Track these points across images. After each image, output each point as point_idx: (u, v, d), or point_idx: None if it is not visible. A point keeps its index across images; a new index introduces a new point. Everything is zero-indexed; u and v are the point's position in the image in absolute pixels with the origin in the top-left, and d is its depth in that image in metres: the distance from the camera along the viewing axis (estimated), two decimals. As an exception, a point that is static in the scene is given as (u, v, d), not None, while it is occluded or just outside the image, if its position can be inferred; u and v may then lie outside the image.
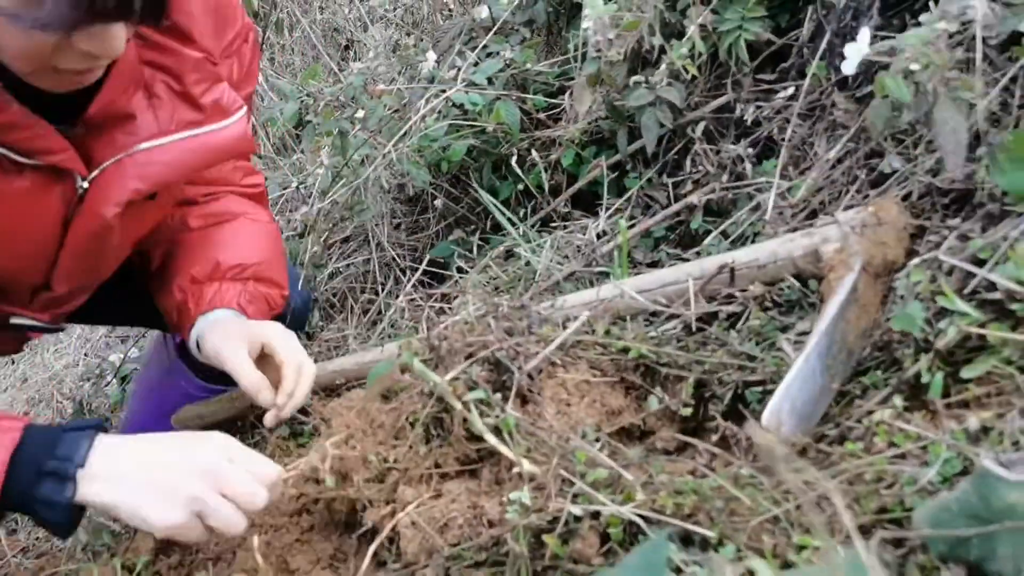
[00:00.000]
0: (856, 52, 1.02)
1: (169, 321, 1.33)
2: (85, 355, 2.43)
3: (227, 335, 1.22)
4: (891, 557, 0.69)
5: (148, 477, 0.95)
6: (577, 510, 0.86)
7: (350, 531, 1.12)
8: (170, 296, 1.30)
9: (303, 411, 1.43)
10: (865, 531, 0.74)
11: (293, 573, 1.11)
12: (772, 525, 0.79)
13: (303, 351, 1.24)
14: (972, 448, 0.74)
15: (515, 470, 0.93)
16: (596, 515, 0.87)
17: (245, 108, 1.15)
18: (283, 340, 1.22)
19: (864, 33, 1.01)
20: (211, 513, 0.95)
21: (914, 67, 0.95)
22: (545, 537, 0.87)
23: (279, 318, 1.52)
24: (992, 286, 0.90)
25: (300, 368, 1.22)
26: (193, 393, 1.58)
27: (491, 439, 0.94)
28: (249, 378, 1.18)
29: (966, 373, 0.88)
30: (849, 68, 1.04)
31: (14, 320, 1.24)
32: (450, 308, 1.59)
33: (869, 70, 1.17)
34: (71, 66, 0.95)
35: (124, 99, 1.06)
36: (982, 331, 0.88)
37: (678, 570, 0.69)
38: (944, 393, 0.89)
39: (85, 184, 1.07)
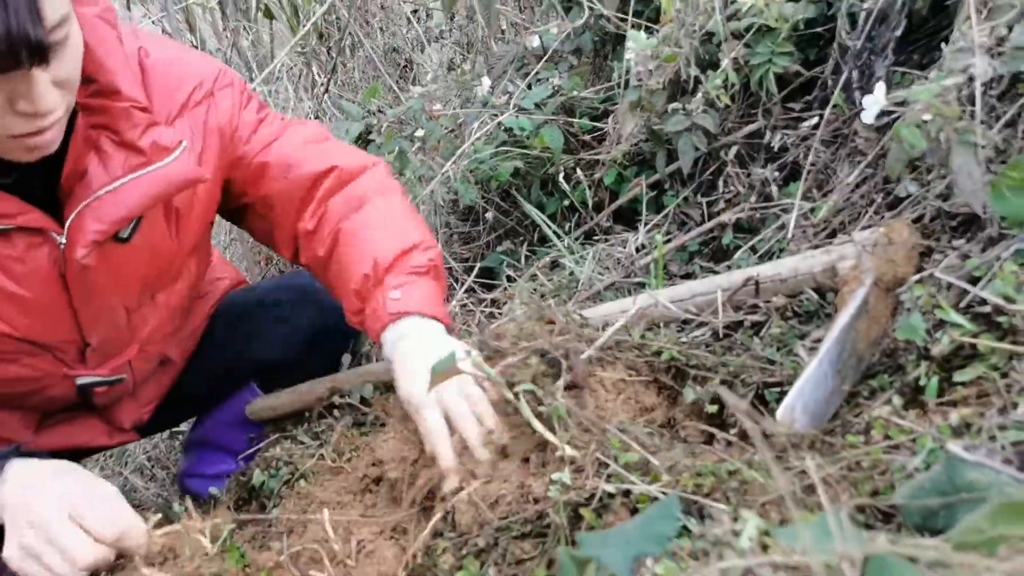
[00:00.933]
0: (874, 102, 1.14)
1: (357, 326, 1.42)
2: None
3: (411, 381, 1.22)
4: (880, 528, 0.82)
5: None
6: (611, 488, 0.99)
7: (410, 507, 1.27)
8: (349, 311, 1.39)
9: (365, 402, 1.58)
10: (860, 509, 0.86)
11: (359, 543, 1.26)
12: (779, 503, 0.92)
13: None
14: (953, 440, 0.86)
15: (557, 454, 1.06)
16: (627, 493, 0.99)
17: (185, 143, 1.26)
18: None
19: (880, 87, 1.13)
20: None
21: (926, 117, 1.06)
22: (582, 511, 1.00)
23: (349, 334, 1.68)
24: (984, 301, 1.01)
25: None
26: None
27: (537, 426, 1.07)
28: (447, 461, 1.17)
29: (958, 377, 1.00)
30: (868, 117, 1.17)
31: (79, 381, 1.41)
32: (499, 312, 1.73)
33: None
34: (21, 129, 1.05)
35: (80, 164, 1.19)
36: (974, 340, 0.99)
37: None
38: (939, 394, 1.00)
39: (62, 239, 1.21)
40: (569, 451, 1.06)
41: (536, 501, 1.09)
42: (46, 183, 1.19)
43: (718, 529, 0.61)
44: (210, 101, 1.34)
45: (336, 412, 1.57)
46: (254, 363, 1.71)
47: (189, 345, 1.67)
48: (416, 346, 1.25)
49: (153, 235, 1.33)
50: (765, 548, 0.60)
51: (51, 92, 1.03)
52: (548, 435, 1.09)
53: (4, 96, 1.01)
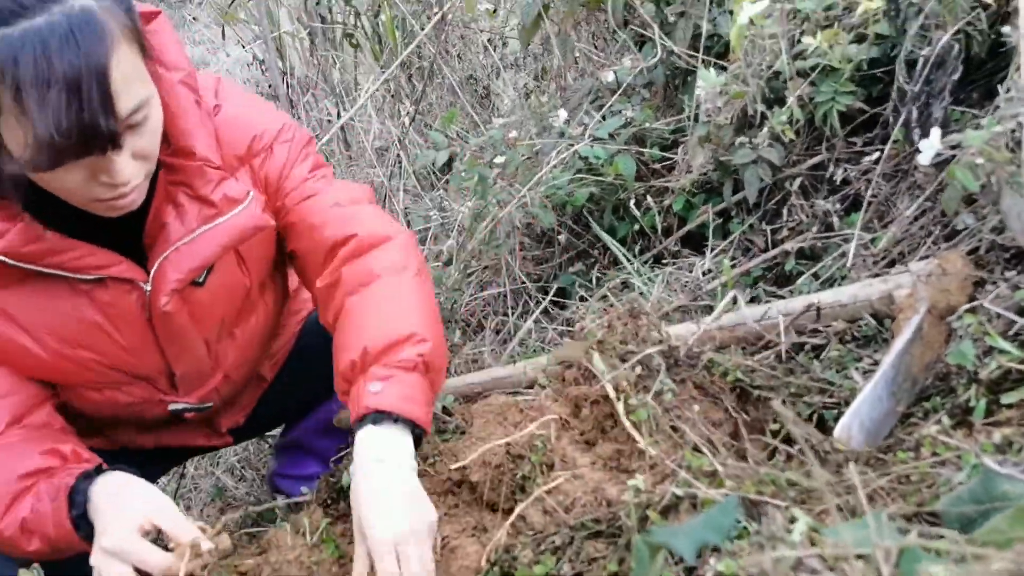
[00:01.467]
0: (929, 147, 1.23)
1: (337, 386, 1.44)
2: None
3: (376, 517, 1.22)
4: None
5: None
6: (680, 492, 1.09)
7: (490, 508, 1.38)
8: (337, 384, 1.40)
9: (447, 412, 1.70)
10: (908, 518, 0.95)
11: (443, 539, 1.37)
12: (833, 511, 1.01)
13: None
14: (994, 456, 0.94)
15: (639, 445, 1.17)
16: (693, 497, 1.09)
17: (253, 194, 1.38)
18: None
19: (935, 132, 1.22)
20: None
21: (978, 161, 1.15)
22: (650, 512, 1.10)
23: None
24: (1031, 329, 1.09)
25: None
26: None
27: (627, 423, 1.18)
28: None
29: (1005, 399, 1.07)
30: (924, 160, 1.25)
31: (171, 407, 1.55)
32: (571, 330, 1.84)
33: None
34: (104, 195, 1.17)
35: (161, 217, 1.32)
36: (1021, 366, 1.07)
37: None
38: (987, 415, 1.08)
39: (148, 287, 1.34)
40: (652, 450, 1.17)
41: (609, 504, 1.19)
42: (131, 231, 1.33)
43: (773, 526, 0.70)
44: (267, 153, 1.45)
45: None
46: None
47: (279, 360, 1.81)
48: (387, 479, 1.24)
49: (225, 278, 1.45)
50: (813, 543, 0.70)
51: (130, 166, 1.16)
52: (636, 434, 1.20)
53: (86, 171, 1.13)
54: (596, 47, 2.19)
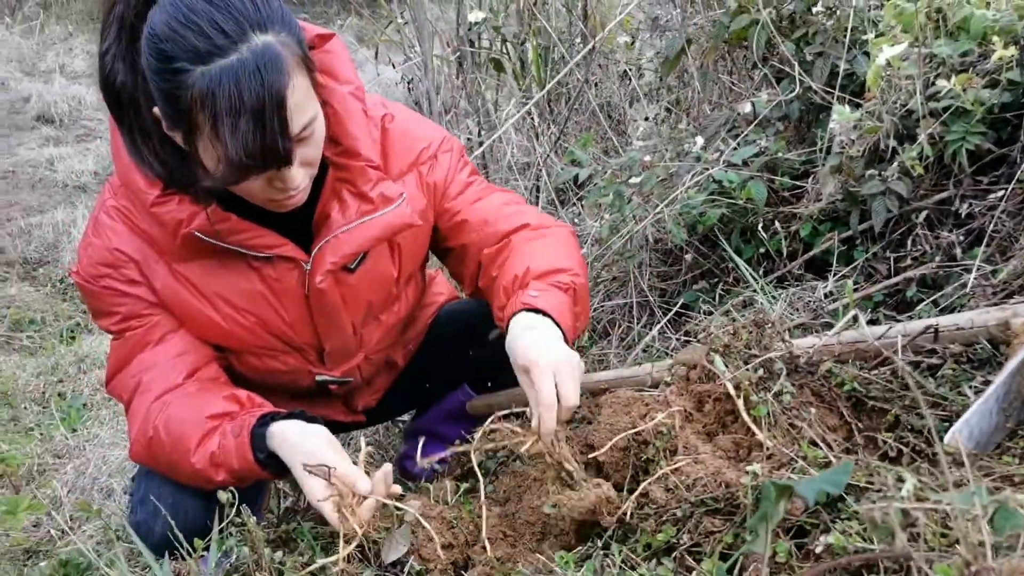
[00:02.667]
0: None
1: (498, 321, 1.68)
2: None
3: (535, 350, 1.44)
4: None
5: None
6: (796, 478, 1.21)
7: (614, 487, 1.52)
8: (495, 306, 1.66)
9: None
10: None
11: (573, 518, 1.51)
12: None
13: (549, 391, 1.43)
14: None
15: (757, 437, 1.29)
16: (808, 482, 1.21)
17: (405, 194, 1.59)
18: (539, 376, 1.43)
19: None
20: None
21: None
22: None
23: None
24: None
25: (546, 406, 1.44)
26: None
27: (747, 418, 1.31)
28: (547, 427, 1.44)
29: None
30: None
31: (318, 378, 1.76)
32: (691, 339, 1.96)
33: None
34: (278, 197, 1.40)
35: (326, 208, 1.54)
36: None
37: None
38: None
39: (308, 267, 1.57)
40: (770, 443, 1.29)
41: (728, 485, 1.32)
42: (301, 220, 1.56)
43: (883, 483, 0.82)
44: (433, 161, 1.69)
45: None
46: (466, 365, 1.97)
47: (411, 350, 1.99)
48: (543, 335, 1.47)
49: (375, 268, 1.67)
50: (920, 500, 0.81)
51: (299, 173, 1.39)
52: (755, 427, 1.33)
53: (265, 180, 1.36)
54: (734, 80, 2.32)
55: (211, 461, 1.50)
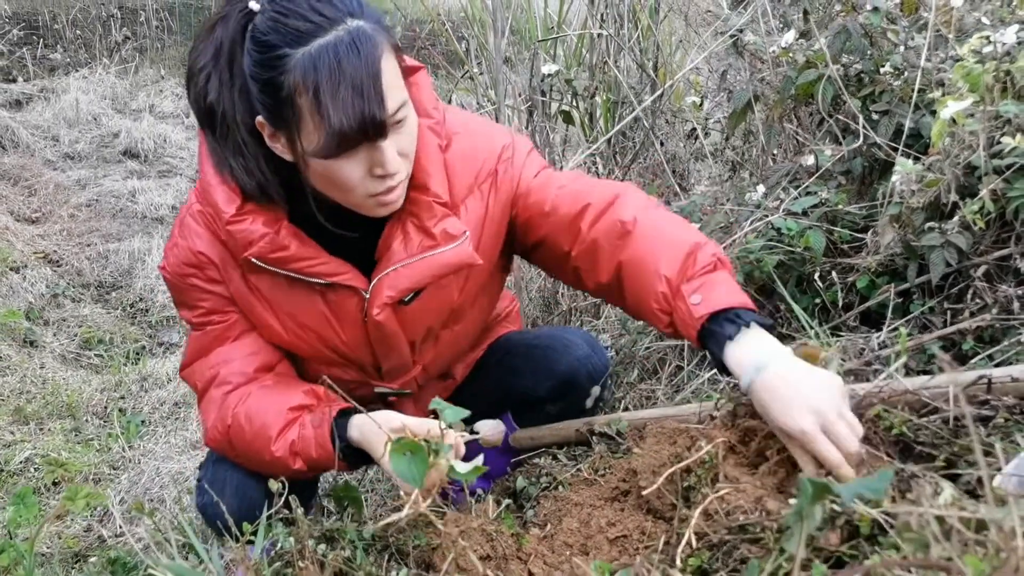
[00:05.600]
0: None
1: (672, 336, 1.61)
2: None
3: (790, 407, 1.33)
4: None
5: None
6: (838, 508, 1.20)
7: (654, 514, 1.52)
8: (660, 327, 1.56)
9: (619, 434, 1.86)
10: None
11: (613, 540, 1.52)
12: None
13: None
14: None
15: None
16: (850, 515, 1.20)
17: (468, 233, 1.61)
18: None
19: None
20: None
21: None
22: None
23: (594, 380, 1.93)
24: None
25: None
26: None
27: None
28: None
29: None
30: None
31: (377, 389, 1.82)
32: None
33: None
34: (377, 189, 1.44)
35: (389, 239, 1.59)
36: None
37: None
38: None
39: (367, 295, 1.62)
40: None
41: (768, 513, 1.31)
42: (365, 250, 1.63)
43: (921, 492, 0.83)
44: (493, 178, 1.68)
45: (594, 439, 1.86)
46: (511, 393, 1.99)
47: (468, 366, 2.03)
48: (772, 384, 1.34)
49: (436, 296, 1.69)
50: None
51: (396, 159, 1.44)
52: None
53: (365, 166, 1.41)
54: (798, 135, 2.35)
55: (290, 450, 1.59)
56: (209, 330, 1.67)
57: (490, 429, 1.83)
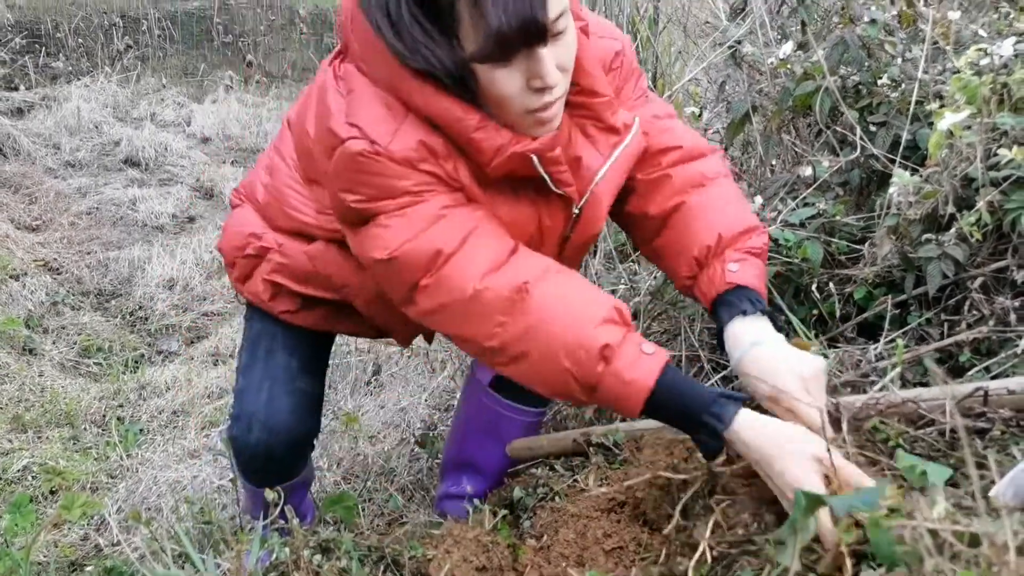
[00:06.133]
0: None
1: (674, 278, 1.67)
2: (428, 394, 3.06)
3: (777, 372, 1.40)
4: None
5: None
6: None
7: (650, 526, 1.53)
8: (678, 268, 1.61)
9: (616, 445, 1.86)
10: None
11: (609, 551, 1.52)
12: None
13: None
14: None
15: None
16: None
17: (637, 117, 1.58)
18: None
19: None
20: None
21: None
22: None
23: None
24: None
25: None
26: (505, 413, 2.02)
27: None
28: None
29: None
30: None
31: None
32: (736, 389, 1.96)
33: None
34: (535, 104, 1.36)
35: (571, 148, 1.52)
36: None
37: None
38: None
39: (577, 210, 1.58)
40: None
41: (766, 527, 1.31)
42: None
43: (915, 504, 0.83)
44: (613, 73, 1.63)
45: (591, 450, 1.86)
46: None
47: None
48: (769, 351, 1.43)
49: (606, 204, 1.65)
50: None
51: (555, 71, 1.35)
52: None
53: (522, 76, 1.34)
54: (796, 145, 2.36)
55: (602, 351, 1.37)
56: (438, 198, 1.44)
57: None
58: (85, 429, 3.39)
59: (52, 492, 2.90)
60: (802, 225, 2.02)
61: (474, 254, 1.42)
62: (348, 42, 1.47)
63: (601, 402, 1.42)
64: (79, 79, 7.73)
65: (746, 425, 1.33)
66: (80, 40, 8.53)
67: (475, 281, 1.40)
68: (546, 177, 1.47)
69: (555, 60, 1.36)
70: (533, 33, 1.30)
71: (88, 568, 2.39)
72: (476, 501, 1.96)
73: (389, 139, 1.39)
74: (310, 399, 1.86)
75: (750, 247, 1.56)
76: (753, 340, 1.45)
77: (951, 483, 1.31)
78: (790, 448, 1.28)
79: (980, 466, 1.40)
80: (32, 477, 2.96)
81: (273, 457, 1.78)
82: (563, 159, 1.48)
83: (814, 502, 0.84)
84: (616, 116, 1.55)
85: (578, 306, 1.41)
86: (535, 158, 1.43)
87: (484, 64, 1.33)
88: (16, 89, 7.48)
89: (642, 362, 1.36)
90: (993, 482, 1.39)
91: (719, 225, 1.56)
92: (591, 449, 1.85)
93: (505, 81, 1.34)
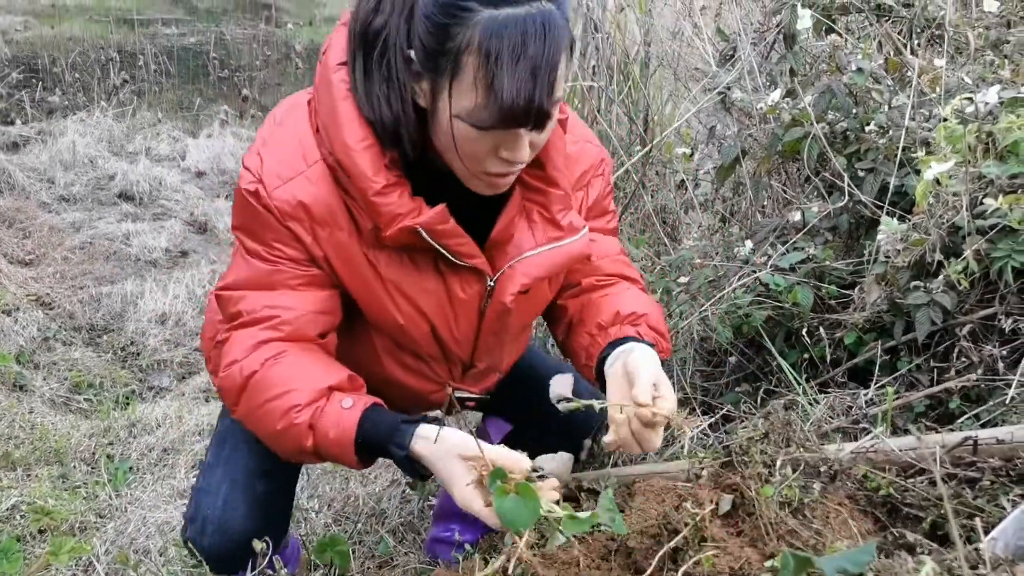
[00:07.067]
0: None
1: (576, 362, 1.72)
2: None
3: (642, 358, 1.49)
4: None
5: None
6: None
7: (639, 573, 1.52)
8: (579, 340, 1.67)
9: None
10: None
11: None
12: None
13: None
14: None
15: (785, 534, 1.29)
16: None
17: (587, 227, 1.60)
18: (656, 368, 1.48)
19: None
20: None
21: None
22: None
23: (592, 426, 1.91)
24: None
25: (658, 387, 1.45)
26: None
27: (766, 510, 1.31)
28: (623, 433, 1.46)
29: None
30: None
31: (457, 394, 1.76)
32: (726, 433, 1.97)
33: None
34: (497, 170, 1.39)
35: (511, 227, 1.55)
36: None
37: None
38: None
39: (492, 283, 1.58)
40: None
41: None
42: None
43: (905, 566, 0.83)
44: (587, 188, 1.69)
45: (582, 495, 1.86)
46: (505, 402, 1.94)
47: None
48: (645, 356, 1.49)
49: (540, 293, 1.68)
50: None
51: (527, 149, 1.40)
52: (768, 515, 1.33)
53: (495, 143, 1.35)
54: (786, 190, 2.38)
55: (310, 422, 1.43)
56: (282, 268, 1.51)
57: (556, 464, 1.74)
58: (75, 467, 3.36)
59: (40, 532, 2.87)
60: (792, 269, 2.03)
61: (242, 338, 1.50)
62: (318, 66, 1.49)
63: (330, 460, 1.49)
64: (75, 113, 7.76)
65: (421, 443, 1.40)
66: (76, 75, 8.58)
67: (228, 357, 1.50)
68: (440, 249, 1.49)
69: (531, 139, 1.39)
70: (535, 117, 1.31)
71: (75, 612, 2.37)
72: (467, 546, 1.95)
73: (277, 185, 1.45)
74: (272, 502, 1.75)
75: (650, 326, 1.63)
76: (628, 348, 1.53)
77: (942, 540, 1.31)
78: (444, 450, 1.37)
79: (971, 516, 1.41)
80: (20, 516, 2.93)
81: (232, 558, 1.65)
82: (459, 231, 1.49)
83: (803, 563, 0.85)
84: (565, 214, 1.57)
85: (294, 388, 1.46)
86: (422, 231, 1.45)
87: (469, 125, 1.33)
88: (12, 123, 7.50)
89: (342, 418, 1.43)
90: (988, 531, 1.40)
91: (636, 306, 1.65)
92: (582, 495, 1.85)
93: (477, 143, 1.36)
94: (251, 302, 1.50)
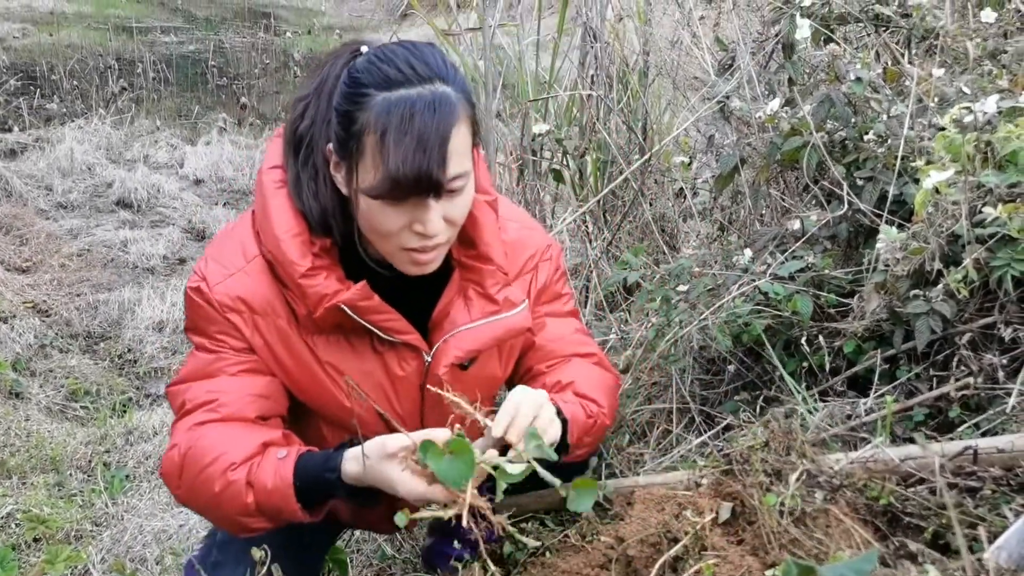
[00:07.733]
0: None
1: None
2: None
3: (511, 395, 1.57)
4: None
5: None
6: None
7: (641, 583, 1.51)
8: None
9: (607, 500, 1.85)
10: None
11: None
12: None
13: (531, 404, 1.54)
14: None
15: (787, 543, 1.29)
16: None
17: (527, 301, 1.69)
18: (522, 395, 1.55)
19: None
20: None
21: None
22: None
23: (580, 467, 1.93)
24: None
25: (517, 408, 1.51)
26: None
27: (769, 518, 1.31)
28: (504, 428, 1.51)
29: None
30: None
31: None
32: (727, 444, 1.96)
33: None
34: (413, 245, 1.47)
35: (449, 306, 1.63)
36: None
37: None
38: None
39: (429, 358, 1.64)
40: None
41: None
42: (418, 318, 1.65)
43: (908, 575, 0.83)
44: (535, 272, 1.78)
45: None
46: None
47: None
48: (515, 394, 1.55)
49: (486, 369, 1.74)
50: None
51: (439, 223, 1.47)
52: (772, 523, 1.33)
53: (407, 217, 1.45)
54: (784, 199, 2.38)
55: (247, 478, 1.49)
56: (223, 356, 1.60)
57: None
58: (71, 475, 3.35)
59: (36, 540, 2.86)
60: (791, 278, 2.03)
61: (183, 425, 1.58)
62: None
63: (278, 517, 1.54)
64: (73, 120, 7.77)
65: (350, 463, 1.48)
66: (75, 82, 8.58)
67: (169, 444, 1.59)
68: (367, 326, 1.57)
69: (444, 212, 1.46)
70: (426, 186, 1.40)
71: (70, 621, 2.35)
72: (466, 555, 1.94)
73: (218, 281, 1.57)
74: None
75: (589, 408, 1.70)
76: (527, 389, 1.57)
77: (943, 550, 1.31)
78: (373, 459, 1.45)
79: (972, 526, 1.41)
80: (16, 525, 2.92)
81: None
82: (385, 308, 1.56)
83: (805, 572, 0.84)
84: (500, 289, 1.65)
85: (228, 449, 1.52)
86: (346, 309, 1.53)
87: (374, 200, 1.42)
88: (9, 130, 7.51)
89: (279, 467, 1.50)
90: (992, 541, 1.39)
91: (578, 378, 1.74)
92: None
93: (389, 218, 1.44)
94: (193, 391, 1.60)
